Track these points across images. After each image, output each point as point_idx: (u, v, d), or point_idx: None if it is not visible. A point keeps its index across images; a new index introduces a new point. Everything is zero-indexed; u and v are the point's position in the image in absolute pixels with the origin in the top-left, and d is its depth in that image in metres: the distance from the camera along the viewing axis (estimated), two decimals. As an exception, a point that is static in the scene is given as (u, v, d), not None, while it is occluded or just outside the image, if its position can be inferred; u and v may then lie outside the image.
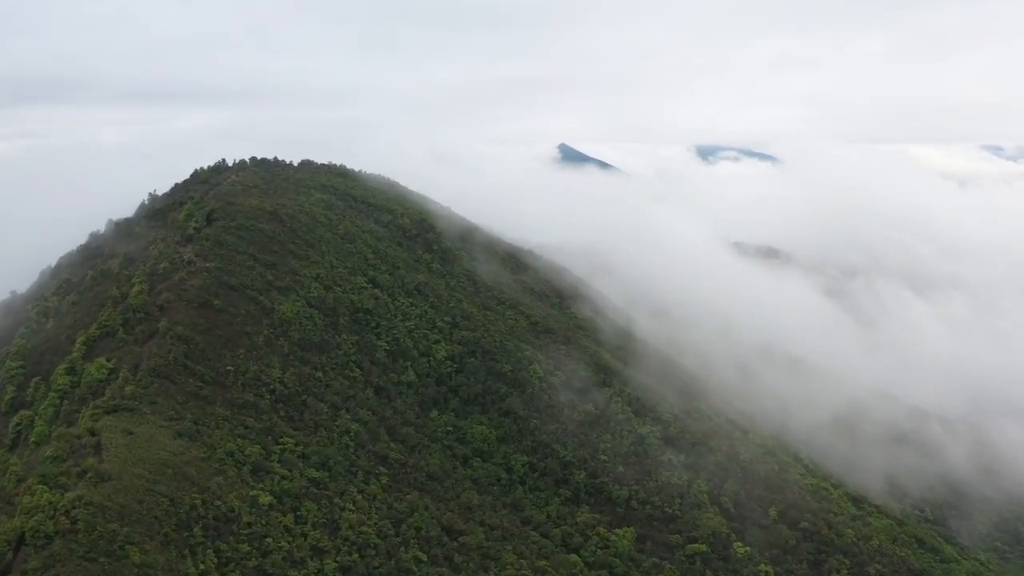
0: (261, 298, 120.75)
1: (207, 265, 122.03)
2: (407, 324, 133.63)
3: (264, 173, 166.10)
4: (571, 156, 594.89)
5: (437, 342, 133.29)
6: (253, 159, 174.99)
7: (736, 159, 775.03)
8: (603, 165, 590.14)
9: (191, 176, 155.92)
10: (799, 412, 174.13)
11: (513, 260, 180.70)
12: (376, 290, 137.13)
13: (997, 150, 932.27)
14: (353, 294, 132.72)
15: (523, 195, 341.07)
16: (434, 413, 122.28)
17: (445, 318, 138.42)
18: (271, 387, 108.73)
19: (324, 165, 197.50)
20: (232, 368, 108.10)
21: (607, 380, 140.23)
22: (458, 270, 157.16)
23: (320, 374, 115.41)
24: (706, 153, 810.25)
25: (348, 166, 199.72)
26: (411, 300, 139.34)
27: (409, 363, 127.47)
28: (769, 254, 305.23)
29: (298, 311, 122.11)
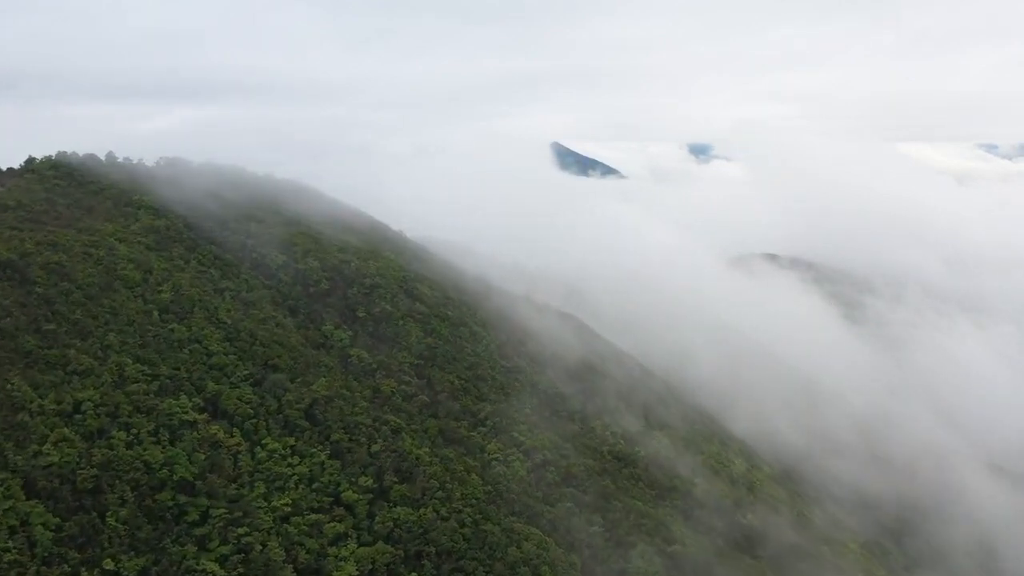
0: None
1: None
2: (279, 504, 63.30)
3: (65, 183, 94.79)
4: (565, 156, 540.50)
5: (340, 541, 63.12)
6: (62, 154, 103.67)
7: (729, 158, 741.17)
8: (597, 165, 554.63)
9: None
10: (911, 538, 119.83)
11: (503, 321, 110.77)
12: (216, 426, 66.31)
13: (991, 148, 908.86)
14: (158, 445, 61.89)
15: (516, 199, 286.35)
16: None
17: (364, 478, 68.06)
18: None
19: (207, 165, 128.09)
20: None
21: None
22: (402, 358, 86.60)
23: None
24: (699, 151, 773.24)
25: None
26: (294, 442, 68.69)
27: (270, 608, 57.29)
28: (770, 262, 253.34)
29: (-13, 517, 51.56)
